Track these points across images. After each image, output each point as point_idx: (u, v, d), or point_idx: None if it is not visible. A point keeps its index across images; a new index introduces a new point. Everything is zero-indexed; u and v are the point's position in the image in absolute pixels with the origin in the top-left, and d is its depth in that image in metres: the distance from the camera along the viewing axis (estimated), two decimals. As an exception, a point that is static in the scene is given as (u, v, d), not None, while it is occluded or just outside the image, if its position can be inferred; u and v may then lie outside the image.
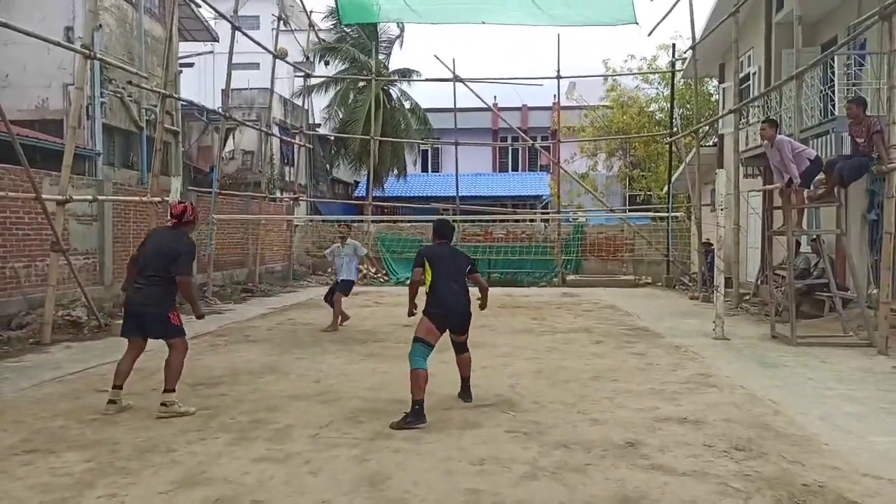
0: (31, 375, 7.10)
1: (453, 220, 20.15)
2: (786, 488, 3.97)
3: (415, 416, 5.27)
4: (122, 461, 4.46)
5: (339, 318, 10.63)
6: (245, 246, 18.26)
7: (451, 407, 5.80)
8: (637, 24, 16.74)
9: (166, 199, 11.46)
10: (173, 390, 5.67)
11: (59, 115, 15.08)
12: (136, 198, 12.76)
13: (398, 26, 27.07)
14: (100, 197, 11.61)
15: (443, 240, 6.14)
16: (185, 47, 21.28)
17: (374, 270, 20.89)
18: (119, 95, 16.30)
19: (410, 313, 6.08)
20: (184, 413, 5.58)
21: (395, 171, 29.02)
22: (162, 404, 5.59)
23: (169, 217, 6.14)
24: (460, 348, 6.03)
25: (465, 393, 6.08)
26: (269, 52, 18.32)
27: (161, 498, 3.89)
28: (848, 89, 11.00)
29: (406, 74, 28.82)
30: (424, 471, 4.30)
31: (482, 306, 6.12)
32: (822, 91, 11.69)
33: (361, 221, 21.93)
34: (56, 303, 9.73)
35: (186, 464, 4.42)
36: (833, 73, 11.32)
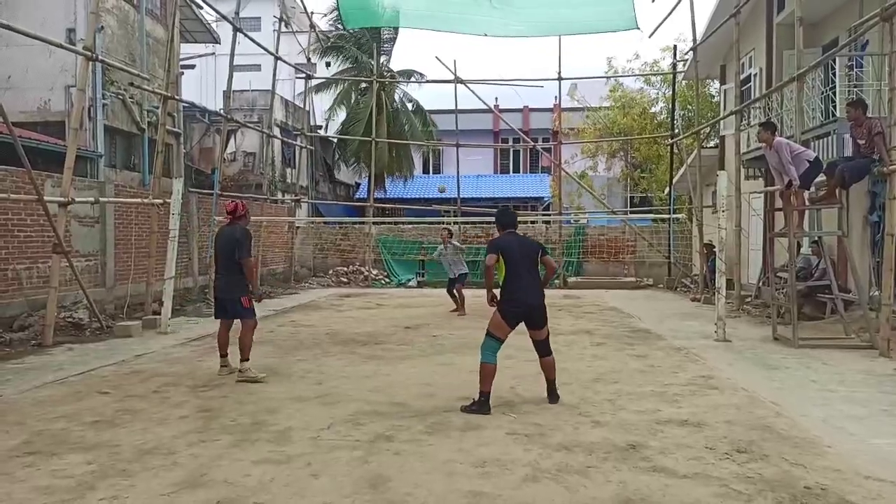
0: (32, 377, 7.11)
1: (454, 223, 20.21)
2: (788, 490, 3.97)
3: (479, 406, 5.62)
4: (123, 463, 4.47)
5: (462, 305, 12.72)
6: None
7: (451, 409, 5.79)
8: (638, 28, 16.80)
9: (168, 200, 11.47)
10: (247, 359, 6.94)
11: (60, 117, 15.10)
12: (138, 199, 12.78)
13: (393, 30, 27.10)
14: (101, 199, 11.63)
15: (509, 229, 6.07)
16: (186, 49, 21.33)
17: (374, 272, 20.91)
18: (121, 97, 16.33)
19: (491, 301, 5.91)
20: (255, 378, 6.80)
21: (400, 173, 29.00)
22: (238, 370, 6.90)
23: (225, 215, 7.27)
24: (543, 349, 5.98)
25: (551, 395, 6.03)
26: (271, 53, 18.34)
27: (162, 500, 3.89)
28: (849, 91, 10.99)
29: (408, 76, 28.82)
30: (426, 473, 4.30)
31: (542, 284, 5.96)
32: (823, 92, 11.68)
33: (362, 223, 21.95)
34: (58, 304, 9.74)
35: (187, 466, 4.42)
36: (834, 74, 11.31)
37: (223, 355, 7.26)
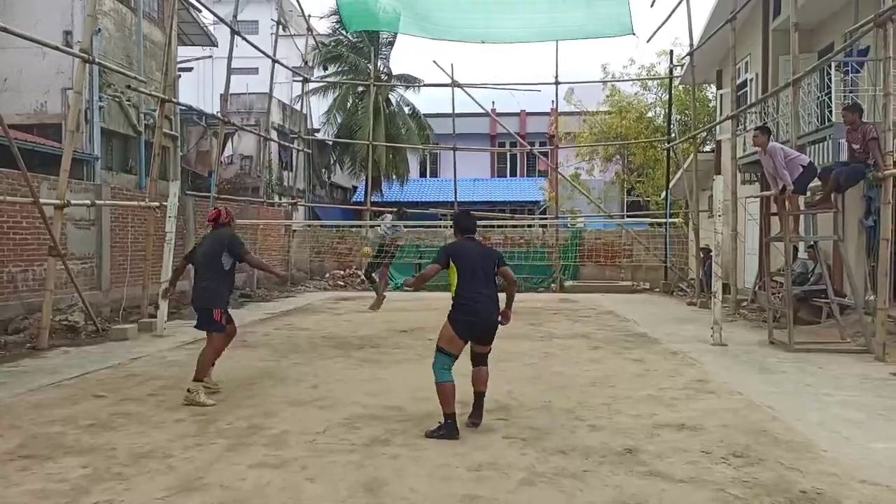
0: (27, 380, 7.08)
1: (451, 226, 20.18)
2: (784, 495, 3.97)
3: (447, 430, 5.09)
4: (118, 467, 4.45)
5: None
6: (243, 251, 18.19)
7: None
8: (634, 34, 16.86)
9: (164, 203, 11.45)
10: (200, 380, 6.18)
11: (57, 120, 15.08)
12: (134, 202, 12.74)
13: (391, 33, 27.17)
14: (98, 201, 11.60)
15: (467, 234, 5.57)
16: (183, 52, 21.30)
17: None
18: (117, 100, 16.31)
19: (412, 284, 5.61)
20: (202, 404, 5.97)
21: (396, 177, 29.01)
22: (187, 390, 6.10)
23: (207, 223, 6.91)
24: (479, 360, 5.43)
25: (476, 411, 5.40)
26: (269, 56, 18.35)
27: (157, 504, 3.88)
28: (844, 96, 11.04)
29: (406, 80, 28.86)
30: (422, 477, 4.29)
31: (505, 315, 5.41)
32: (818, 97, 11.73)
33: (359, 226, 21.93)
34: (53, 308, 9.71)
35: (183, 469, 4.41)
36: (830, 79, 11.36)
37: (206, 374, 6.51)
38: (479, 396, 5.43)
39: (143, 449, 4.81)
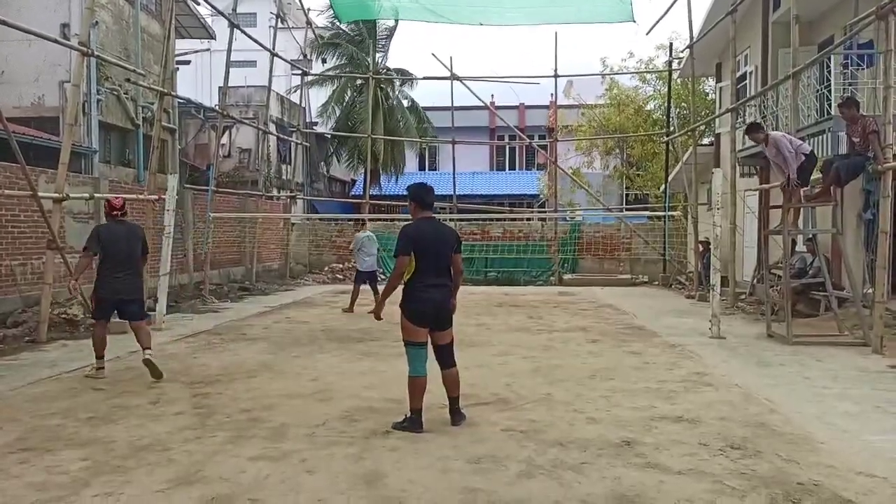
0: (27, 373, 7.09)
1: (450, 220, 20.18)
2: (781, 487, 3.99)
3: (412, 424, 5.08)
4: (117, 459, 4.46)
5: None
6: (242, 244, 18.24)
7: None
8: (634, 22, 16.79)
9: (163, 196, 11.44)
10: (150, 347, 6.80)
11: (55, 113, 15.05)
12: (133, 196, 12.71)
13: (394, 21, 27.06)
14: (96, 195, 11.57)
15: (427, 212, 5.20)
16: (181, 45, 21.25)
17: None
18: (115, 93, 16.27)
19: (379, 315, 5.26)
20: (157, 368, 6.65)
21: (394, 170, 28.99)
22: (149, 358, 6.73)
23: (114, 211, 6.95)
24: (445, 359, 5.23)
25: (455, 415, 5.26)
26: (267, 49, 18.29)
27: (157, 496, 3.89)
28: (844, 89, 11.02)
29: (404, 73, 28.79)
30: (421, 469, 4.30)
31: (451, 305, 5.24)
32: (818, 90, 11.71)
33: (359, 220, 21.91)
34: (52, 301, 9.70)
35: (182, 462, 4.42)
36: (830, 72, 11.34)
37: (102, 356, 6.90)
38: (453, 401, 5.29)
39: (143, 442, 4.82)
